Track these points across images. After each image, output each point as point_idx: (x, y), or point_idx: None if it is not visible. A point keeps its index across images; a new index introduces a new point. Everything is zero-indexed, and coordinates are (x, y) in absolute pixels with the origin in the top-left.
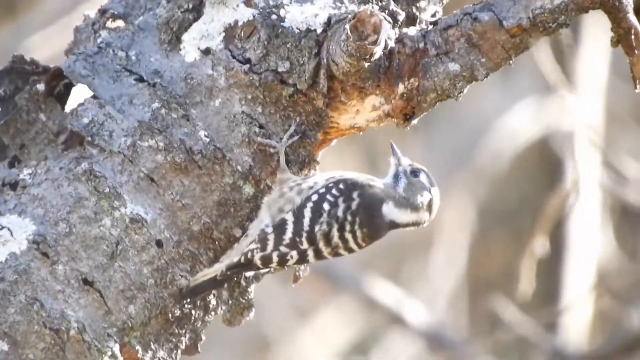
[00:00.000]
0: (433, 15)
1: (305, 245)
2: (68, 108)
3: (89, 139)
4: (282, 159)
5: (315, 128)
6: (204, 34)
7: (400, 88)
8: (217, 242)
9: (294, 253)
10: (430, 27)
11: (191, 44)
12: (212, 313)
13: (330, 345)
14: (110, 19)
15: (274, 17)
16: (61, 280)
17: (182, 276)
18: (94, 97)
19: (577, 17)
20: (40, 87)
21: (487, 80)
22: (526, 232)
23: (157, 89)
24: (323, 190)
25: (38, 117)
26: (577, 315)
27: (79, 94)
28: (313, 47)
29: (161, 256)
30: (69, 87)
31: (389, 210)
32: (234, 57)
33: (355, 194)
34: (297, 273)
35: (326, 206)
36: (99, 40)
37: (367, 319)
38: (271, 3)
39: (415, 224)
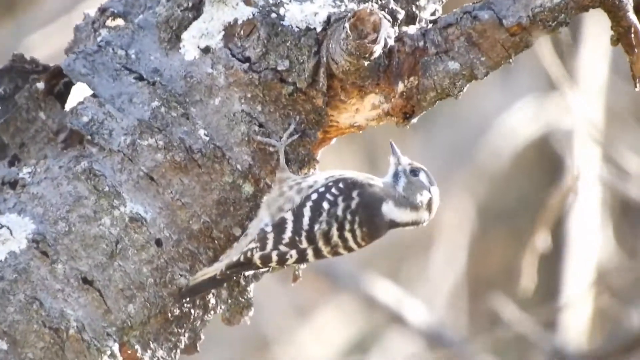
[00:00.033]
0: (433, 14)
1: (304, 244)
2: (68, 107)
3: (89, 137)
4: (282, 157)
5: (314, 127)
6: (203, 33)
7: (400, 87)
8: (216, 241)
9: (294, 252)
10: (430, 25)
11: (191, 43)
12: (212, 312)
13: (330, 344)
14: (110, 18)
15: (273, 15)
16: (61, 279)
17: (181, 275)
18: (94, 95)
19: (577, 15)
20: (40, 85)
21: (486, 79)
22: (526, 230)
23: (157, 87)
24: (323, 189)
25: (38, 116)
26: (577, 314)
27: (79, 93)
28: (313, 45)
29: (161, 255)
30: (68, 85)
31: (389, 210)
32: (233, 55)
33: (354, 193)
34: (297, 272)
35: (326, 205)
36: (98, 39)
37: (366, 318)
38: (271, 1)
39: (415, 223)
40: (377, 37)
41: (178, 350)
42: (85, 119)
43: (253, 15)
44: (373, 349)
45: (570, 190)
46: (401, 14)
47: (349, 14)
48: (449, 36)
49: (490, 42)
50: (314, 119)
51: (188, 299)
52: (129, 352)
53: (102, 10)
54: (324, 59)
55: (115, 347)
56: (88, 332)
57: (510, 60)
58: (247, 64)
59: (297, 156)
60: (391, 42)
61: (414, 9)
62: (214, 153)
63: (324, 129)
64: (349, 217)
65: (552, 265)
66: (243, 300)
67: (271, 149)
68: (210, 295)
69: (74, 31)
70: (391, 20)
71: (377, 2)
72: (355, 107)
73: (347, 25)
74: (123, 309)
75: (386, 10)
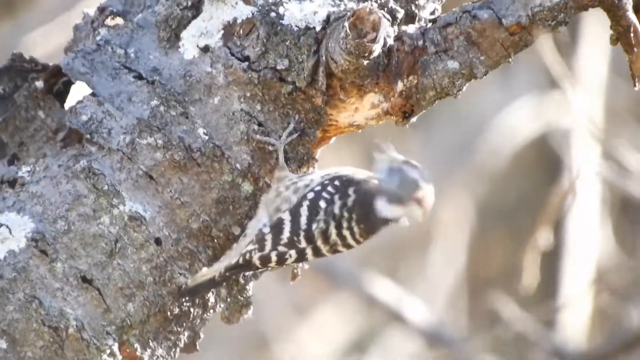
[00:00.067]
0: (432, 13)
1: (303, 244)
2: (67, 105)
3: (88, 136)
4: (281, 156)
5: (314, 126)
6: (202, 32)
7: (399, 86)
8: (215, 240)
9: (293, 252)
10: (430, 24)
11: (190, 42)
12: (211, 311)
13: (329, 342)
14: (110, 17)
15: (272, 14)
16: (60, 278)
17: (180, 274)
18: (93, 94)
19: (576, 14)
20: (39, 84)
21: (486, 78)
22: (526, 229)
23: (156, 86)
24: (319, 187)
25: (37, 115)
26: (576, 312)
27: (78, 92)
28: (312, 44)
29: (160, 254)
30: (68, 84)
31: (382, 206)
32: (232, 54)
33: (350, 190)
34: (296, 270)
35: (322, 204)
36: (98, 38)
37: (366, 316)
38: (270, 0)
39: (408, 219)
40: (376, 36)
41: (177, 349)
42: (84, 117)
43: (252, 14)
44: (372, 347)
45: (571, 190)
46: (400, 13)
47: (349, 13)
48: (448, 35)
49: (489, 41)
50: (313, 118)
51: (187, 298)
52: (128, 350)
53: (102, 9)
54: (323, 58)
55: (115, 346)
56: (87, 331)
57: (510, 60)
58: (247, 63)
59: (296, 155)
60: (390, 41)
61: (413, 8)
62: (213, 152)
63: (323, 128)
64: (345, 214)
65: (551, 264)
66: (242, 298)
67: (270, 148)
68: (210, 294)
69: (74, 30)
70: (390, 19)
71: (376, 1)
72: (355, 106)
73: (346, 24)
74: (122, 307)
75: (385, 9)
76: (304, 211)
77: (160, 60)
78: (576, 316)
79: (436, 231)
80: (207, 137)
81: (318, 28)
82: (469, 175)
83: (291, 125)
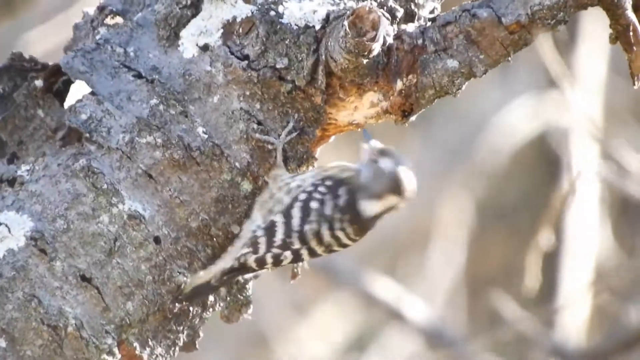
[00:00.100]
0: (431, 12)
1: (297, 245)
2: (66, 104)
3: (87, 135)
4: (279, 155)
5: (313, 124)
6: (202, 30)
7: (399, 84)
8: (215, 239)
9: (288, 253)
10: (429, 23)
11: (189, 40)
12: (210, 310)
13: (329, 341)
14: (109, 16)
15: (272, 13)
16: (59, 277)
17: (180, 273)
18: (92, 93)
19: (575, 13)
20: (39, 83)
21: (485, 77)
22: (525, 228)
23: (156, 85)
24: (311, 188)
25: (36, 114)
26: (576, 312)
27: (78, 91)
28: (311, 43)
29: (159, 253)
30: (67, 83)
31: (364, 205)
32: (232, 53)
33: (341, 191)
34: (296, 269)
35: (314, 205)
36: (97, 37)
37: (365, 315)
38: None
39: (389, 210)
40: (375, 35)
41: (177, 348)
42: (83, 116)
43: (252, 13)
44: (372, 346)
45: (571, 190)
46: (400, 12)
47: (348, 12)
48: (447, 34)
49: (489, 40)
50: (313, 116)
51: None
52: (127, 349)
53: (101, 9)
54: (323, 56)
55: (114, 345)
56: (87, 330)
57: (509, 58)
58: (246, 62)
59: (295, 154)
60: (390, 40)
61: (412, 7)
62: (213, 151)
63: (322, 126)
64: (337, 215)
65: (551, 263)
66: (242, 297)
67: (270, 147)
68: None
69: (73, 30)
70: (390, 18)
71: (375, 0)
72: (354, 105)
73: (346, 23)
74: (122, 306)
75: (385, 8)
76: (296, 213)
77: (160, 59)
78: (576, 316)
79: (436, 230)
80: (206, 136)
81: (317, 27)
82: (468, 174)
83: (290, 124)
